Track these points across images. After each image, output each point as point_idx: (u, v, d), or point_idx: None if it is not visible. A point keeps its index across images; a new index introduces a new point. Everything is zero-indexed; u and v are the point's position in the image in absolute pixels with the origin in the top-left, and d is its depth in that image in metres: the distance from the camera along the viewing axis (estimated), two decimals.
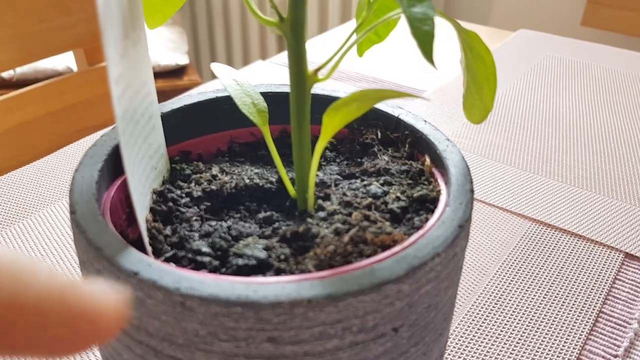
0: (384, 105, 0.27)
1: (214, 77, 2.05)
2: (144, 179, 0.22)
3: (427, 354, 0.21)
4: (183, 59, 1.53)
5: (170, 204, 0.24)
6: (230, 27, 1.93)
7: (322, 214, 0.23)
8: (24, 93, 0.79)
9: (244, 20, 1.89)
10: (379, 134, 0.27)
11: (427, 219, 0.22)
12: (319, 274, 0.18)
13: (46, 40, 0.79)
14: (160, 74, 1.52)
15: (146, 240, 0.20)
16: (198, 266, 0.21)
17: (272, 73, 0.68)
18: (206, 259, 0.21)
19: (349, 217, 0.22)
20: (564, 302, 0.37)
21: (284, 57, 0.73)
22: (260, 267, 0.20)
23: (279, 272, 0.20)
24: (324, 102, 0.28)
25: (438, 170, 0.24)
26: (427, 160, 0.25)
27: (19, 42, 0.76)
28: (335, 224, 0.22)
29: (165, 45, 1.63)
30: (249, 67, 0.70)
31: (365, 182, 0.24)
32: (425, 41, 0.18)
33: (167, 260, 0.21)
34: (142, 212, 0.21)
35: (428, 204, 0.23)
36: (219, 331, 0.17)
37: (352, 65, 0.71)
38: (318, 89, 0.28)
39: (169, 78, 1.51)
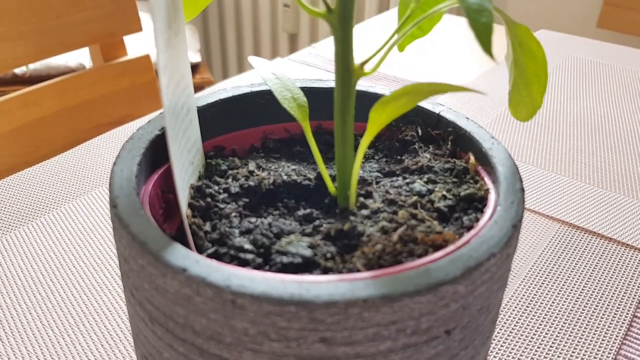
0: (424, 102, 0.27)
1: (225, 75, 2.05)
2: (183, 173, 0.22)
3: (475, 357, 0.21)
4: (195, 57, 1.53)
5: (209, 199, 0.23)
6: (241, 25, 1.93)
7: (365, 212, 0.22)
8: (40, 89, 0.78)
9: (255, 18, 1.89)
10: (420, 131, 0.26)
11: (477, 219, 0.21)
12: (372, 274, 0.17)
13: (62, 36, 0.78)
14: None
15: (190, 236, 0.20)
16: (241, 263, 0.20)
17: (291, 71, 0.68)
18: (249, 256, 0.20)
19: (395, 215, 0.21)
20: (596, 306, 0.36)
21: (300, 55, 0.72)
22: (306, 266, 0.20)
23: (325, 270, 0.19)
24: (362, 99, 0.27)
25: (484, 169, 0.24)
26: (472, 159, 0.24)
27: (36, 37, 0.76)
28: (381, 222, 0.21)
29: None
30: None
31: (407, 180, 0.24)
32: (483, 32, 0.18)
33: (209, 257, 0.20)
34: (184, 207, 0.20)
35: (476, 203, 0.22)
36: (270, 331, 0.17)
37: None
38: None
39: None
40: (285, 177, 0.25)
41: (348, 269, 0.19)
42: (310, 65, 0.69)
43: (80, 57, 1.46)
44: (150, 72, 0.89)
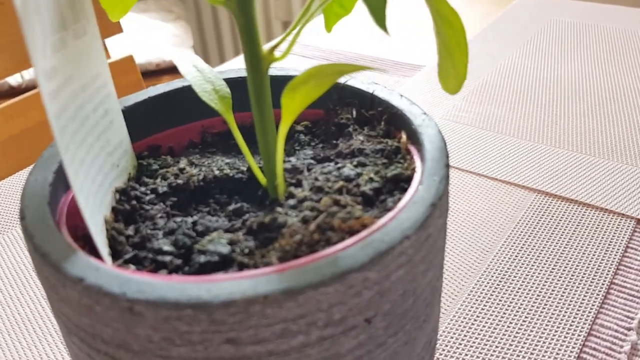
0: (358, 82, 0.26)
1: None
2: (100, 177, 0.21)
3: (410, 342, 0.20)
4: (189, 54, 1.52)
5: (134, 202, 0.22)
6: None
7: (292, 201, 0.22)
8: (24, 99, 0.78)
9: None
10: (354, 113, 0.25)
11: (400, 200, 0.20)
12: (278, 267, 0.17)
13: None
14: (166, 70, 1.52)
15: (99, 242, 0.19)
16: (159, 266, 0.20)
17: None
18: (167, 258, 0.20)
19: (318, 203, 0.21)
20: (572, 274, 0.35)
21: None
22: (224, 264, 0.19)
23: (241, 267, 0.19)
24: (281, 84, 0.26)
25: (415, 147, 0.23)
26: (403, 137, 0.23)
27: (15, 48, 0.76)
28: (304, 211, 0.20)
29: (170, 41, 1.62)
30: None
31: (339, 165, 0.23)
32: (376, 6, 0.17)
33: (127, 262, 0.20)
34: (94, 214, 0.20)
35: (403, 184, 0.21)
36: (173, 336, 0.16)
37: (346, 44, 0.69)
38: (280, 70, 0.26)
39: (175, 74, 1.50)
40: (217, 172, 0.24)
41: (264, 264, 0.19)
42: (303, 56, 0.68)
43: None
44: (134, 72, 0.88)
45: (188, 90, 0.27)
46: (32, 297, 0.36)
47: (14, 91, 1.45)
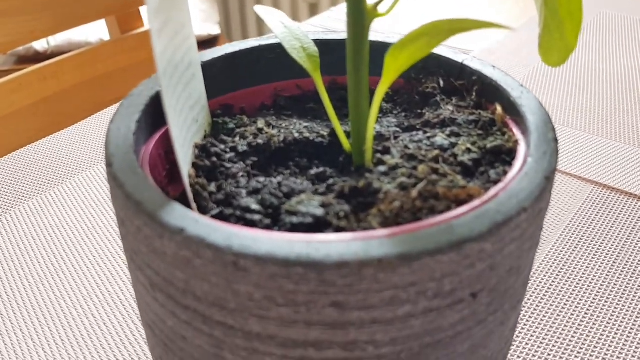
0: (445, 51, 0.25)
1: None
2: (185, 130, 0.20)
3: (505, 323, 0.19)
4: (215, 29, 1.51)
5: (214, 158, 0.21)
6: None
7: (382, 168, 0.20)
8: (58, 62, 0.77)
9: None
10: (441, 82, 0.24)
11: (505, 172, 0.19)
12: (388, 232, 0.16)
13: (78, 9, 0.77)
14: None
15: (190, 195, 0.18)
16: (247, 225, 0.19)
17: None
18: (256, 216, 0.19)
19: (415, 170, 0.20)
20: (635, 270, 0.34)
21: (320, 19, 0.70)
22: (317, 226, 0.18)
23: (338, 230, 0.18)
24: (378, 50, 0.25)
25: (512, 120, 0.22)
26: (499, 109, 0.22)
27: (51, 10, 0.75)
28: (400, 178, 0.19)
29: (197, 16, 1.60)
30: None
31: (428, 134, 0.22)
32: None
33: (213, 218, 0.19)
34: (185, 166, 0.19)
35: (504, 156, 0.20)
36: (277, 295, 0.15)
37: (390, 22, 0.67)
38: (371, 35, 0.25)
39: (201, 48, 1.49)
40: (296, 135, 0.23)
41: (363, 228, 0.18)
42: (331, 31, 0.67)
43: (101, 33, 1.45)
44: None
45: (262, 50, 0.26)
46: (50, 267, 0.35)
47: (40, 57, 1.44)
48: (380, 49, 0.25)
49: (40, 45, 1.46)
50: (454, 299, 0.16)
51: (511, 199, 0.16)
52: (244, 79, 0.26)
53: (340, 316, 0.16)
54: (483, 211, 0.16)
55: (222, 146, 0.22)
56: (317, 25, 0.68)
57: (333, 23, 0.69)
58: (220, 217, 0.19)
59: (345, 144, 0.22)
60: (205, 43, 1.52)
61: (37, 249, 0.36)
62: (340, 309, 0.15)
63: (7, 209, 0.39)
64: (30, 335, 0.30)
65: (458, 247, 0.15)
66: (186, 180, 0.18)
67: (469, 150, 0.20)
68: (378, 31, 0.66)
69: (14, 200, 0.40)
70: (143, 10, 0.88)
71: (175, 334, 0.18)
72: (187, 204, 0.19)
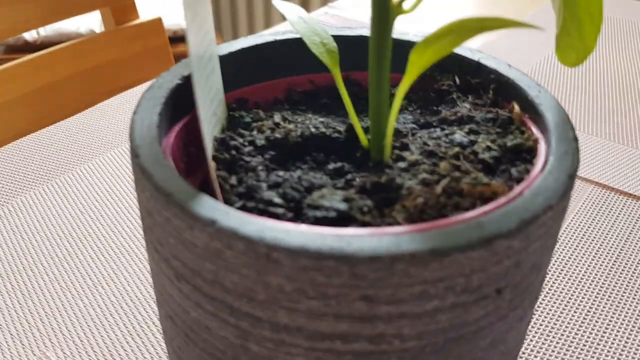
0: (461, 49, 0.25)
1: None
2: (206, 122, 0.20)
3: (523, 319, 0.19)
4: None
5: (233, 152, 0.21)
6: None
7: (402, 164, 0.21)
8: (51, 53, 0.77)
9: None
10: (457, 79, 0.25)
11: (527, 170, 0.19)
12: (417, 227, 0.16)
13: None
14: (182, 38, 1.49)
15: (217, 187, 0.18)
16: (271, 218, 0.19)
17: None
18: (280, 210, 0.19)
19: (436, 167, 0.20)
20: (635, 270, 0.34)
21: (317, 15, 0.70)
22: (341, 220, 0.18)
23: (363, 225, 0.18)
24: (397, 47, 0.25)
25: (530, 118, 0.22)
26: (516, 108, 0.22)
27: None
28: (421, 174, 0.20)
29: None
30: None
31: (446, 131, 0.22)
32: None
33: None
34: (210, 157, 0.19)
35: (524, 154, 0.20)
36: (307, 287, 0.15)
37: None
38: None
39: None
40: (313, 130, 0.23)
41: (388, 224, 0.18)
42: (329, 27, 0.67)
43: (92, 24, 1.44)
44: (162, 35, 0.87)
45: (277, 45, 0.26)
46: (55, 259, 0.35)
47: (29, 46, 1.43)
48: (398, 46, 0.25)
49: (30, 35, 1.44)
50: (479, 294, 0.16)
51: (537, 197, 0.17)
52: (258, 73, 0.26)
53: (369, 310, 0.16)
54: (510, 208, 0.16)
55: (241, 140, 0.22)
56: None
57: (330, 19, 0.69)
58: (243, 209, 0.19)
59: (363, 139, 0.22)
60: None
61: (39, 240, 0.35)
62: (370, 303, 0.16)
63: (5, 202, 0.39)
64: (36, 325, 0.30)
65: (488, 244, 0.15)
66: (212, 173, 0.18)
67: (488, 148, 0.21)
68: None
69: (13, 192, 0.39)
70: (138, 1, 0.87)
71: (199, 325, 0.18)
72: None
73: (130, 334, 0.30)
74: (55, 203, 0.38)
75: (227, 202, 0.19)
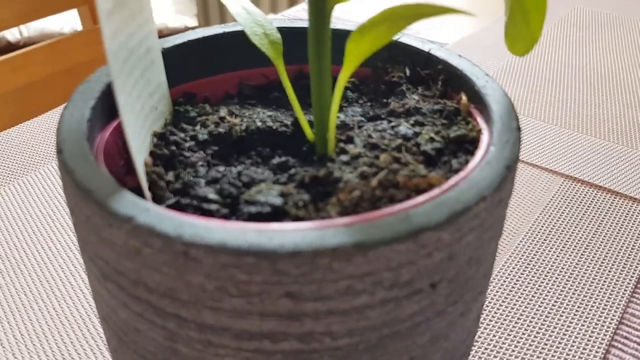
0: (412, 40, 0.24)
1: None
2: (142, 117, 0.20)
3: (465, 314, 0.19)
4: (192, 22, 1.50)
5: (173, 147, 0.21)
6: None
7: (344, 157, 0.20)
8: (28, 52, 0.76)
9: None
10: (407, 71, 0.24)
11: (467, 161, 0.19)
12: (344, 220, 0.15)
13: None
14: (166, 37, 1.49)
15: (143, 183, 0.18)
16: (205, 215, 0.18)
17: None
18: (214, 206, 0.18)
19: (376, 160, 0.19)
20: (602, 262, 0.34)
21: (295, 11, 0.69)
22: (276, 216, 0.18)
23: (297, 220, 0.17)
24: (341, 38, 0.25)
25: (476, 109, 0.21)
26: (464, 98, 0.22)
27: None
28: (361, 167, 0.19)
29: (174, 8, 1.59)
30: None
31: (393, 123, 0.22)
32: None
33: (169, 208, 0.18)
34: (139, 154, 0.18)
35: (467, 145, 0.20)
36: (229, 285, 0.15)
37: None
38: (337, 23, 0.25)
39: None
40: (259, 124, 0.23)
41: (321, 218, 0.17)
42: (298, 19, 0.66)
43: (75, 23, 1.43)
44: None
45: (227, 38, 0.26)
46: (17, 257, 0.34)
47: (12, 47, 1.42)
48: (342, 37, 0.24)
49: (12, 36, 1.43)
50: (411, 289, 0.16)
51: (471, 188, 0.16)
52: (208, 66, 0.25)
53: (294, 307, 0.15)
54: (442, 200, 0.16)
55: (182, 135, 0.22)
56: (292, 17, 0.67)
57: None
58: (177, 206, 0.18)
59: (308, 133, 0.22)
60: None
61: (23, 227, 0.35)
62: (295, 300, 0.15)
63: None
64: None
65: (415, 236, 0.15)
66: (139, 169, 0.17)
67: (432, 140, 0.20)
68: (343, 19, 0.66)
69: None
70: None
71: (128, 327, 0.17)
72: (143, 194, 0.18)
73: (85, 338, 0.29)
74: (24, 199, 0.38)
75: (161, 199, 0.19)
